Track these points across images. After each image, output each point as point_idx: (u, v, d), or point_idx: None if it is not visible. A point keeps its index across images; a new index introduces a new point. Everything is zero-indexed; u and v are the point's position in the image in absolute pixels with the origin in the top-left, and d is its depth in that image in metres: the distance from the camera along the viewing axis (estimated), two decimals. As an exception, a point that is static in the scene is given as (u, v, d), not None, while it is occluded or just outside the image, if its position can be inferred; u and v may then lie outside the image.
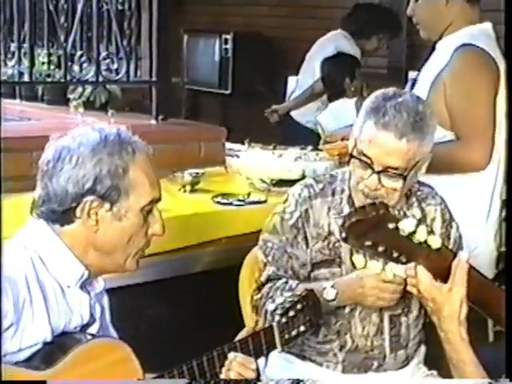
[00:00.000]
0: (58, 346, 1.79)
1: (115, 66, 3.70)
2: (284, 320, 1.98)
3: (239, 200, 3.14)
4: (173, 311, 2.88)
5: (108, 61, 3.70)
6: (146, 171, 1.85)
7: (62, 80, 3.69)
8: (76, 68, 3.81)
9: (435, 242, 1.79)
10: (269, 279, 2.32)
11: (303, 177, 3.15)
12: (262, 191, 3.24)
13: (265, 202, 3.16)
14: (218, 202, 3.12)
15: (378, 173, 2.14)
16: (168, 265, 2.79)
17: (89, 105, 4.11)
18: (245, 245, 2.68)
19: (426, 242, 1.78)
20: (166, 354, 2.25)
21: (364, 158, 2.16)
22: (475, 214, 2.82)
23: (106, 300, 2.00)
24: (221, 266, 2.93)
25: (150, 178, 1.85)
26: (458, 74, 2.76)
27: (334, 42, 5.22)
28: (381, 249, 1.75)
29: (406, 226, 1.75)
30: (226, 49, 7.06)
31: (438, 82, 2.79)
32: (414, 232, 1.76)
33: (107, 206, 1.81)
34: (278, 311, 1.98)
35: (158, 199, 1.88)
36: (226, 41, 7.06)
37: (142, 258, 1.91)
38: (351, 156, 2.20)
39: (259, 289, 2.35)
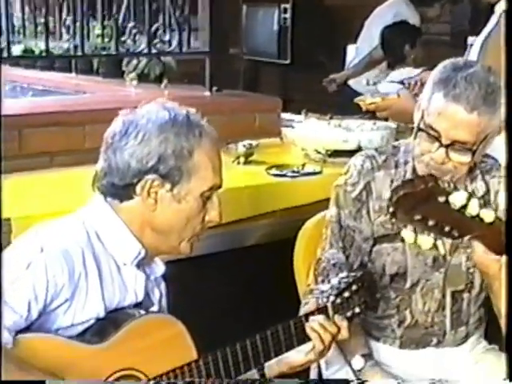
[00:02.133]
0: (110, 321, 1.78)
1: (167, 37, 3.66)
2: (339, 301, 1.93)
3: (294, 171, 3.07)
4: (226, 285, 2.85)
5: (160, 32, 3.66)
6: (211, 156, 1.81)
7: (114, 52, 3.66)
8: (129, 40, 3.78)
9: (488, 215, 1.72)
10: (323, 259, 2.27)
11: (359, 147, 3.08)
12: (317, 162, 3.17)
13: (320, 173, 3.08)
14: (272, 174, 3.06)
15: (446, 147, 2.05)
16: (222, 238, 2.76)
17: (144, 77, 4.10)
18: (300, 217, 2.62)
19: (478, 215, 1.71)
20: (219, 330, 2.23)
21: (432, 132, 2.06)
22: None
23: (163, 286, 1.98)
24: (275, 239, 2.88)
25: (214, 163, 1.82)
26: (498, 34, 2.65)
27: (393, 8, 5.12)
28: (431, 223, 1.70)
29: (457, 199, 1.70)
30: (285, 18, 7.03)
31: (485, 45, 2.69)
32: (466, 205, 1.70)
33: (168, 186, 1.79)
34: (333, 292, 1.93)
35: (219, 186, 1.86)
36: (285, 10, 7.03)
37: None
38: (418, 129, 2.11)
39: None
